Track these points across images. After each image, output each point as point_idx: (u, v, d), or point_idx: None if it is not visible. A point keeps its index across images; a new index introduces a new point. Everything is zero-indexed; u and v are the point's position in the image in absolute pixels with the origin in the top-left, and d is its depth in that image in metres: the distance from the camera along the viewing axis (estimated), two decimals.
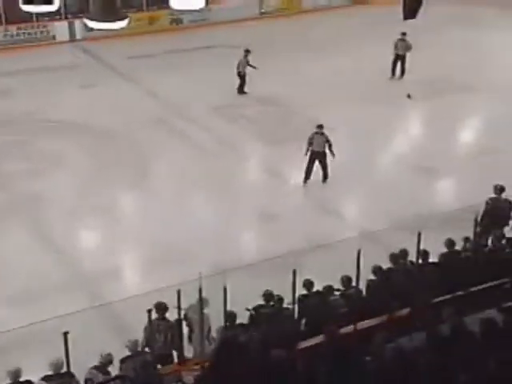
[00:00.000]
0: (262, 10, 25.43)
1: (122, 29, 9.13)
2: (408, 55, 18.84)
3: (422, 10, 14.35)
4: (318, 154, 13.48)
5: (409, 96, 17.46)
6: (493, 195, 10.86)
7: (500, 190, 10.85)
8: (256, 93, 17.66)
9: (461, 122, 16.85)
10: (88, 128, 15.96)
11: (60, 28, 22.54)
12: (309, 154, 13.43)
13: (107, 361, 7.15)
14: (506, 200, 10.83)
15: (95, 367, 7.11)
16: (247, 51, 17.61)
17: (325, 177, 13.66)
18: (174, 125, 16.28)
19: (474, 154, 14.60)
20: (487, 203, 10.74)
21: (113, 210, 12.79)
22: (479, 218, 9.53)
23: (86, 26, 10.09)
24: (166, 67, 19.85)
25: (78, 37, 22.64)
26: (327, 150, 13.42)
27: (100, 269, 10.78)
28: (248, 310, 7.95)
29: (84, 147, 15.10)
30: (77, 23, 22.21)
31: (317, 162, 13.53)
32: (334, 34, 21.76)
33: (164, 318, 7.89)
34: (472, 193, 11.89)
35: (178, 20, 23.88)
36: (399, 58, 18.94)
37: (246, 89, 17.87)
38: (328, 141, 13.39)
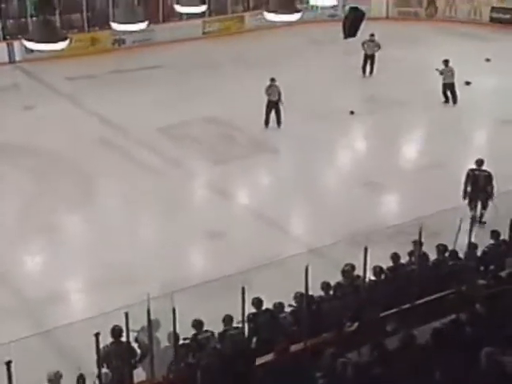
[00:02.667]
0: (205, 30, 25.52)
1: (63, 50, 9.10)
2: (377, 55, 20.17)
3: (362, 29, 14.73)
4: (273, 103, 16.58)
5: (352, 112, 17.74)
6: (474, 166, 12.38)
7: (480, 162, 12.39)
8: (200, 112, 17.66)
9: (402, 136, 17.20)
10: (30, 149, 15.66)
11: None
12: (266, 103, 16.46)
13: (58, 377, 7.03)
14: (484, 171, 12.31)
15: None
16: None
17: (278, 123, 16.73)
18: (118, 145, 16.12)
19: (417, 168, 14.90)
20: (468, 174, 12.37)
21: (57, 232, 12.54)
22: (462, 189, 12.17)
23: (25, 47, 9.91)
24: (109, 88, 19.67)
25: (18, 58, 22.23)
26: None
27: (44, 293, 10.54)
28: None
29: (26, 169, 14.80)
30: (16, 45, 21.82)
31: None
32: (278, 53, 21.95)
33: (119, 342, 7.77)
34: (416, 206, 12.14)
35: (120, 40, 23.71)
36: (368, 57, 20.22)
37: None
38: (279, 92, 16.51)
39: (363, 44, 19.90)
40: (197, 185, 15.04)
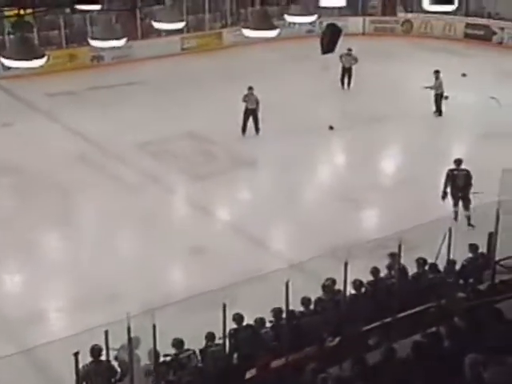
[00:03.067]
0: (184, 46, 25.60)
1: (42, 66, 9.09)
2: (354, 68, 20.60)
3: (339, 44, 14.87)
4: (251, 111, 17.01)
5: (331, 127, 17.85)
6: (453, 166, 12.87)
7: (458, 162, 12.87)
8: (179, 128, 17.67)
9: (381, 151, 17.31)
10: (9, 167, 15.53)
11: None
12: (243, 110, 16.92)
13: None
14: (463, 170, 12.80)
15: None
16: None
17: (256, 130, 17.19)
18: (96, 162, 16.06)
19: (396, 182, 15.02)
20: (447, 174, 12.86)
21: (36, 250, 12.45)
22: (442, 188, 12.72)
23: (2, 64, 9.88)
24: (88, 104, 19.63)
25: None
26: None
27: (24, 312, 10.42)
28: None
29: (4, 186, 14.72)
30: None
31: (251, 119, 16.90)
32: (256, 69, 22.06)
33: (99, 361, 7.70)
34: (395, 221, 12.20)
35: (99, 57, 23.70)
36: (346, 70, 20.72)
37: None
38: (257, 100, 16.95)
39: (341, 57, 20.28)
40: (176, 201, 15.02)
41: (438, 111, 18.75)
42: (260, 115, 17.18)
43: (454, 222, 12.26)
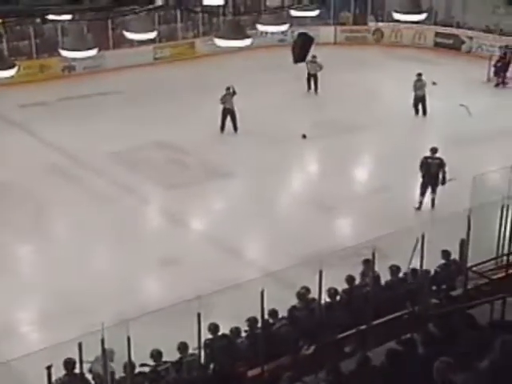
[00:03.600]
0: (157, 56, 25.55)
1: (12, 77, 9.00)
2: (319, 75, 21.14)
3: (311, 54, 14.94)
4: (228, 110, 17.70)
5: (304, 136, 17.93)
6: (428, 154, 13.75)
7: (434, 150, 13.76)
8: (152, 138, 17.61)
9: (354, 160, 17.44)
10: None
11: None
12: (221, 110, 17.58)
13: None
14: (437, 158, 13.67)
15: None
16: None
17: (235, 129, 17.83)
18: (69, 172, 15.93)
19: (369, 191, 15.11)
20: (422, 162, 13.76)
21: (8, 263, 12.27)
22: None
23: None
24: (60, 114, 19.48)
25: None
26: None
27: None
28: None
29: None
30: None
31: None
32: (229, 78, 22.00)
33: (72, 374, 7.61)
34: (369, 228, 12.28)
35: (70, 67, 23.55)
36: (311, 76, 21.40)
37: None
38: (234, 91, 17.75)
39: (306, 63, 20.41)
40: (150, 211, 14.95)
41: (416, 112, 19.35)
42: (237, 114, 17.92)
43: (427, 229, 12.38)
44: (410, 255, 10.01)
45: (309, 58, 19.58)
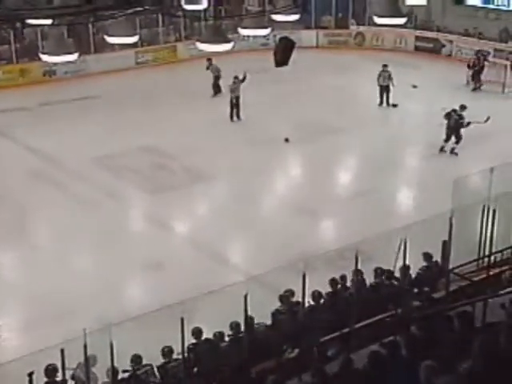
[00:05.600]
0: (139, 60, 25.50)
1: None
2: None
3: (293, 58, 14.98)
4: (236, 99, 19.19)
5: (286, 140, 17.95)
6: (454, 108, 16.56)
7: (461, 107, 16.54)
8: (135, 142, 17.56)
9: (337, 163, 17.49)
10: None
11: None
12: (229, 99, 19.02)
13: None
14: (459, 115, 16.53)
15: None
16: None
17: (237, 116, 19.29)
18: (52, 177, 15.83)
19: (352, 194, 15.16)
20: (446, 113, 16.51)
21: None
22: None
23: None
24: (41, 119, 19.37)
25: None
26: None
27: None
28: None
29: None
30: None
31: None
32: (211, 82, 22.07)
33: (54, 381, 7.55)
34: (352, 231, 12.33)
35: (51, 71, 23.42)
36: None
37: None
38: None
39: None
40: (133, 216, 14.88)
41: (380, 101, 20.34)
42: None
43: (410, 231, 12.45)
44: (394, 257, 10.08)
45: (297, 65, 19.82)
